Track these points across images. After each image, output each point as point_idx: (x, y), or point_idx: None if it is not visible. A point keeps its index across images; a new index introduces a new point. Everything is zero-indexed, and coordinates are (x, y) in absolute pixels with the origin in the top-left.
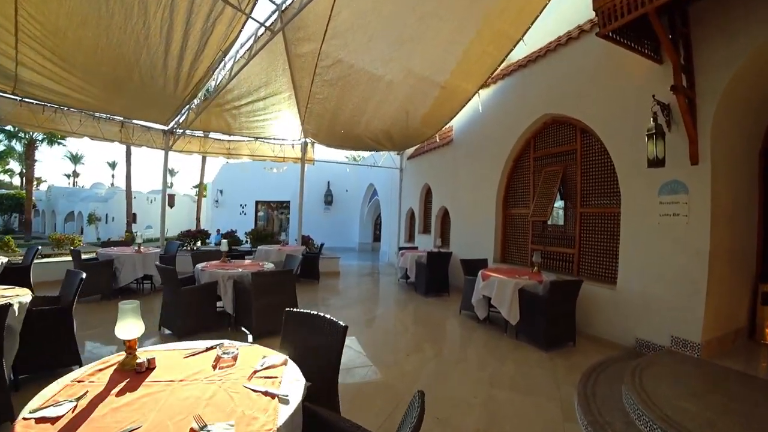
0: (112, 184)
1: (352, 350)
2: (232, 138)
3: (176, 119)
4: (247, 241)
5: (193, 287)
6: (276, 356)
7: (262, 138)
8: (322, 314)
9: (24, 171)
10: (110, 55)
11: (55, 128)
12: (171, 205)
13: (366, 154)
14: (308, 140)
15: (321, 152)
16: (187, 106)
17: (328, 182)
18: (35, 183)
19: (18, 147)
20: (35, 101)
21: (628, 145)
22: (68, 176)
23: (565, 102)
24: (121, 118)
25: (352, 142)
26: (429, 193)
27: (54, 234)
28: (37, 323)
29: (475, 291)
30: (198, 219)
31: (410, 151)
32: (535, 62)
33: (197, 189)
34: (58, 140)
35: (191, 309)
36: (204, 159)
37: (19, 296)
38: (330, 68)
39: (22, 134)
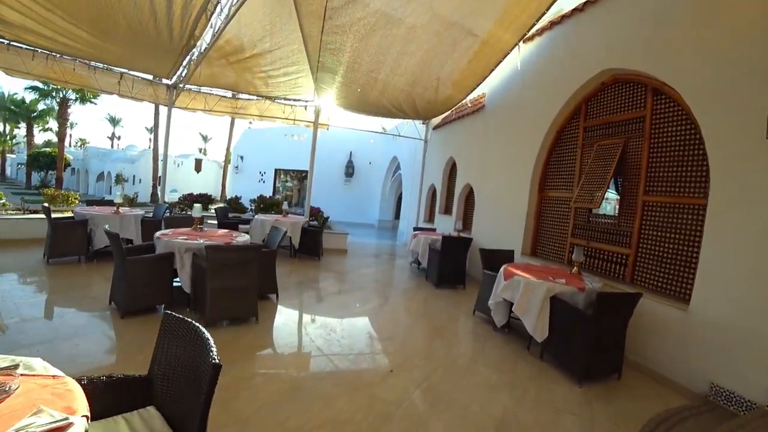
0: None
1: (322, 356)
2: (239, 96)
3: (179, 73)
4: (251, 209)
5: (140, 258)
6: (58, 417)
7: (271, 97)
8: (203, 330)
9: (57, 129)
10: None
11: (46, 76)
12: (198, 170)
13: (391, 124)
14: (323, 102)
15: (342, 119)
16: (188, 58)
17: (350, 153)
18: (80, 143)
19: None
20: (24, 46)
21: (732, 111)
22: (110, 138)
23: (634, 54)
24: (120, 70)
25: (371, 106)
26: (454, 168)
27: (48, 190)
28: None
29: (494, 291)
30: (223, 185)
31: (437, 120)
32: (596, 3)
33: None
34: (90, 99)
35: (138, 283)
36: (232, 124)
37: None
38: (341, 10)
39: (55, 93)
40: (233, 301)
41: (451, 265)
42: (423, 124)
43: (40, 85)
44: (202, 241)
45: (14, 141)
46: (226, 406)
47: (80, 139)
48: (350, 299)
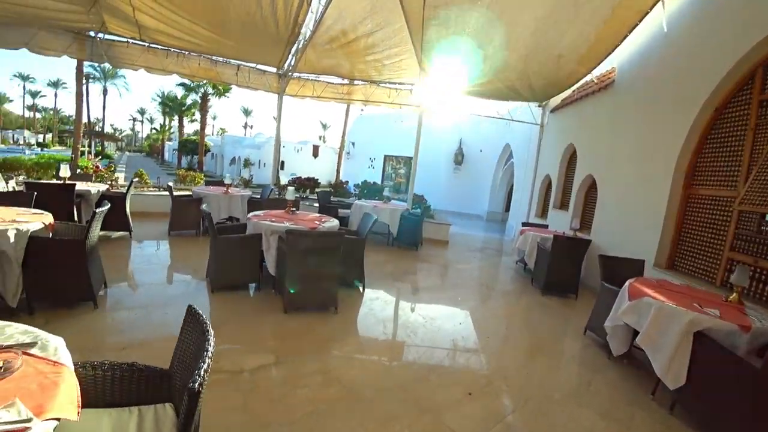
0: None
1: (393, 363)
2: (344, 82)
3: (288, 61)
4: (355, 194)
5: (229, 237)
6: (22, 416)
7: (376, 81)
8: (210, 335)
9: (200, 119)
10: None
11: (178, 71)
12: (315, 155)
13: (504, 108)
14: (428, 84)
15: (450, 103)
16: (295, 47)
17: (460, 140)
18: (220, 132)
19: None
20: (159, 47)
21: None
22: (244, 127)
23: None
24: (237, 62)
25: (480, 87)
26: (573, 156)
27: (180, 170)
28: (42, 252)
29: (613, 311)
30: (338, 170)
31: (555, 101)
32: None
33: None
34: (224, 93)
35: (226, 261)
36: (347, 111)
37: (28, 223)
38: None
39: (198, 89)
40: (312, 289)
41: (562, 269)
42: (539, 106)
43: (187, 82)
44: (287, 224)
45: (171, 131)
46: (278, 401)
47: (221, 129)
48: (442, 297)
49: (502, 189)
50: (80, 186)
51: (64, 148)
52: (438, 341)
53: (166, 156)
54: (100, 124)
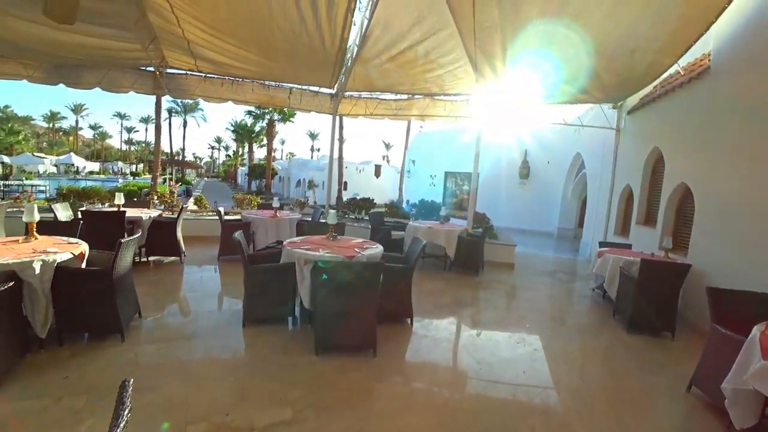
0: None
1: (433, 423)
2: (398, 97)
3: (339, 80)
4: (412, 213)
5: (260, 267)
6: None
7: (430, 94)
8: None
9: (267, 144)
10: (244, 15)
11: (234, 98)
12: (377, 175)
13: (572, 113)
14: (485, 92)
15: (511, 111)
16: (344, 65)
17: (525, 151)
18: (289, 156)
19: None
20: (215, 76)
21: None
22: (311, 150)
23: None
24: (289, 85)
25: (547, 91)
26: (660, 162)
27: (238, 194)
28: (69, 283)
29: (736, 369)
30: (401, 189)
31: (633, 100)
32: None
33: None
34: (289, 119)
35: (258, 292)
36: (408, 129)
37: (57, 253)
38: None
39: (264, 116)
40: (346, 327)
41: (653, 301)
42: (613, 108)
43: (254, 110)
44: (321, 253)
45: (242, 156)
46: None
47: (290, 153)
48: (503, 335)
49: (574, 203)
50: (133, 213)
51: (148, 176)
52: (492, 393)
53: (239, 180)
54: (182, 153)
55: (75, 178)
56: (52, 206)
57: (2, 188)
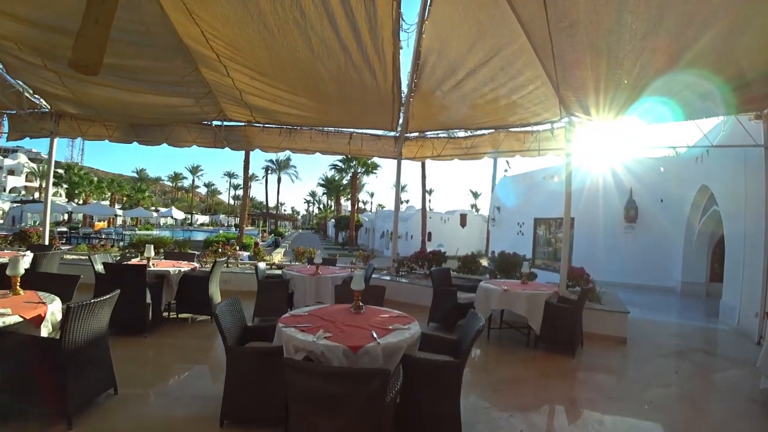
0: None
1: None
2: (468, 134)
3: (400, 121)
4: (488, 267)
5: (244, 350)
6: None
7: (505, 126)
8: None
9: (351, 196)
10: (284, 55)
11: (292, 147)
12: (463, 224)
13: (690, 135)
14: (574, 117)
15: (607, 138)
16: (403, 101)
17: (631, 190)
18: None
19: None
20: (273, 125)
21: None
22: (401, 202)
23: None
24: (349, 130)
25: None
26: None
27: (298, 248)
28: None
29: None
30: (488, 239)
31: None
32: None
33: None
34: (372, 171)
35: (243, 383)
36: (494, 175)
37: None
38: None
39: (347, 170)
40: None
41: None
42: (755, 119)
43: (338, 164)
44: (313, 338)
45: (332, 209)
46: None
47: (379, 205)
48: None
49: (702, 250)
50: (163, 266)
51: (253, 227)
52: None
53: (329, 232)
54: (277, 207)
55: (188, 229)
56: (91, 257)
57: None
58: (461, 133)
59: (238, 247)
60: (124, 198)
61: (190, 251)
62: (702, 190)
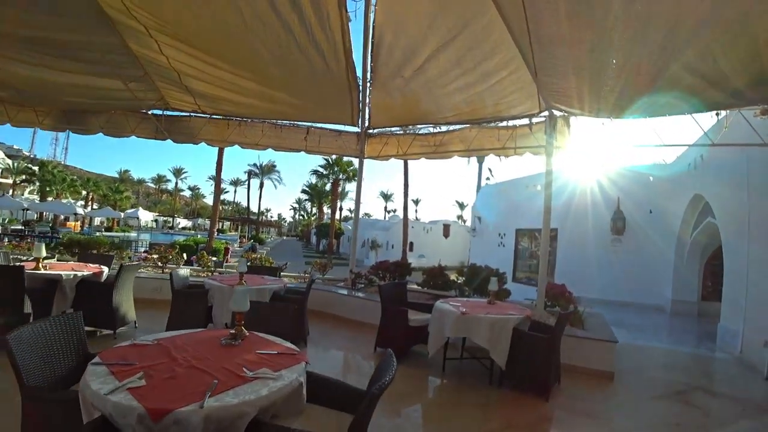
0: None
1: None
2: (436, 130)
3: (360, 115)
4: (455, 282)
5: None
6: None
7: (473, 121)
8: None
9: (331, 203)
10: (212, 26)
11: (242, 141)
12: (446, 235)
13: (686, 133)
14: (556, 111)
15: (591, 135)
16: (361, 89)
17: (618, 199)
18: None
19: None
20: (220, 116)
21: None
22: (385, 210)
23: None
24: (307, 125)
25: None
26: None
27: (247, 254)
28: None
29: None
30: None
31: None
32: None
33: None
34: (354, 178)
35: None
36: (479, 184)
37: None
38: None
39: (329, 176)
40: None
41: None
42: (762, 115)
43: (320, 169)
44: (105, 391)
45: (315, 216)
46: None
47: (365, 213)
48: None
49: (694, 266)
50: (57, 269)
51: (235, 233)
52: None
53: (313, 239)
54: (259, 213)
55: (168, 233)
56: None
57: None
58: (429, 130)
59: (205, 253)
60: (102, 198)
61: (108, 254)
62: (695, 199)
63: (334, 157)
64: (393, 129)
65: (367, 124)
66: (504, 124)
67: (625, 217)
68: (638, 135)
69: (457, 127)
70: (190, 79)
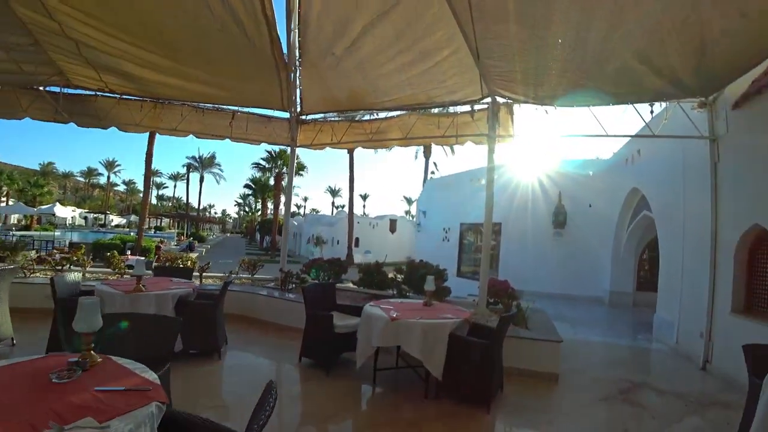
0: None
1: None
2: (372, 117)
3: (292, 98)
4: (394, 281)
5: None
6: None
7: (413, 107)
8: None
9: (274, 198)
10: None
11: (158, 126)
12: (393, 230)
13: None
14: (499, 97)
15: (536, 124)
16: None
17: (559, 193)
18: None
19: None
20: (132, 97)
21: None
22: (332, 205)
23: None
24: (233, 109)
25: (585, 79)
26: None
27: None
28: None
29: None
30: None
31: (739, 87)
32: None
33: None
34: (299, 172)
35: None
36: (425, 176)
37: None
38: None
39: (272, 170)
40: None
41: None
42: (699, 108)
43: (262, 162)
44: None
45: (259, 212)
46: None
47: (313, 209)
48: None
49: (630, 258)
50: None
51: (174, 230)
52: None
53: (258, 236)
54: (199, 209)
55: (99, 231)
56: None
57: None
58: (367, 117)
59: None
60: (19, 194)
61: None
62: (632, 193)
63: (277, 149)
64: (328, 115)
65: (299, 109)
66: (445, 111)
67: (566, 211)
68: (582, 126)
69: (396, 113)
70: (92, 51)
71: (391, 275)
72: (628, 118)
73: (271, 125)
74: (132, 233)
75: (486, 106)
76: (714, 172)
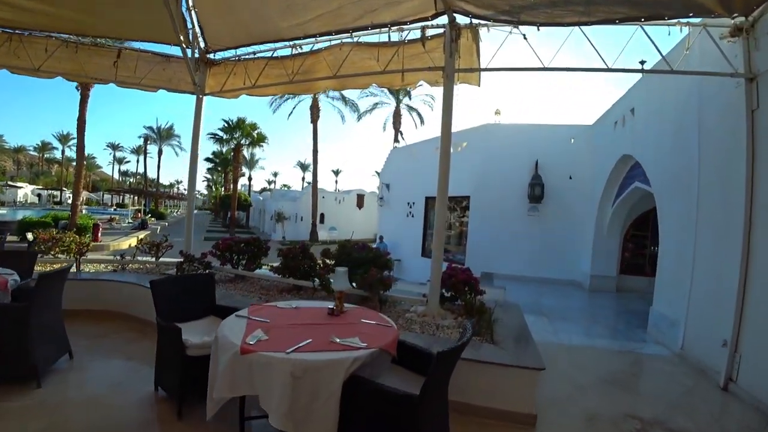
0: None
1: None
2: (296, 52)
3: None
4: (319, 269)
5: None
6: None
7: (344, 31)
8: None
9: (233, 171)
10: None
11: (13, 65)
12: (360, 206)
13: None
14: (460, 14)
15: (508, 60)
16: None
17: (536, 162)
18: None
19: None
20: None
21: None
22: (302, 181)
23: None
24: (118, 45)
25: None
26: None
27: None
28: None
29: None
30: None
31: None
32: None
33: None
34: (259, 144)
35: None
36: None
37: None
38: None
39: (230, 141)
40: None
41: None
42: (731, 38)
43: (219, 133)
44: None
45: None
46: None
47: (284, 185)
48: None
49: (614, 238)
50: None
51: (137, 207)
52: None
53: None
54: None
55: (53, 208)
56: None
57: None
58: (289, 51)
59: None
60: None
61: None
62: (622, 161)
63: (235, 118)
64: (240, 53)
65: (202, 44)
66: (387, 38)
67: (544, 183)
68: (570, 58)
69: (324, 44)
70: None
71: (320, 261)
72: (629, 61)
73: (171, 67)
74: (86, 211)
75: (442, 30)
76: (751, 122)
